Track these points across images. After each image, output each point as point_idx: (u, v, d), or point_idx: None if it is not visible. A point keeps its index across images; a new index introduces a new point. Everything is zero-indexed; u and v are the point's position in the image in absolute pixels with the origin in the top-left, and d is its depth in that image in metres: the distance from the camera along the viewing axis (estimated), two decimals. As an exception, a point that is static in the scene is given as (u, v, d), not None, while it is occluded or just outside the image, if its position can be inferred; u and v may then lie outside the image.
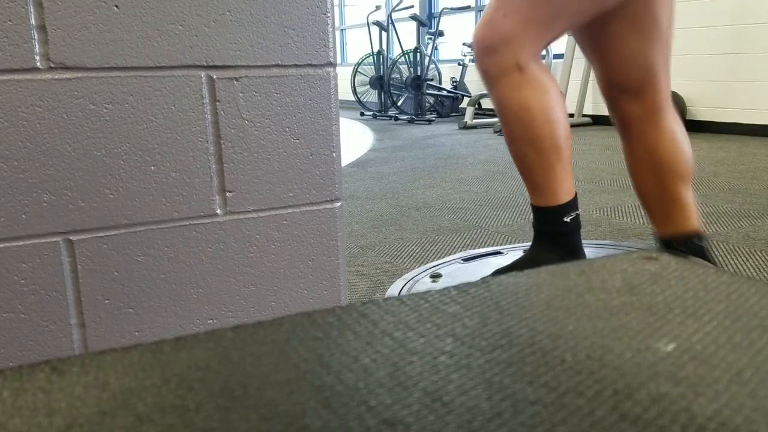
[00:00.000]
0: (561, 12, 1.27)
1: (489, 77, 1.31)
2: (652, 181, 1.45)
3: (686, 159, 1.44)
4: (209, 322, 0.82)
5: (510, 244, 2.08)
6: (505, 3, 1.27)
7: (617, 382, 0.27)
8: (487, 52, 1.29)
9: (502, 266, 1.58)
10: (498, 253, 1.87)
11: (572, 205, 1.37)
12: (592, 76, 6.01)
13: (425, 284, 1.62)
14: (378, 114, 7.50)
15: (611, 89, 1.43)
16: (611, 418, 0.24)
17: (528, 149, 1.32)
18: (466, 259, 1.81)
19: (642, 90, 1.39)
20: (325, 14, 0.81)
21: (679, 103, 4.89)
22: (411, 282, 1.65)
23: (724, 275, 0.39)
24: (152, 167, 0.75)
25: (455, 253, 1.92)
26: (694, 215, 1.47)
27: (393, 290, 1.63)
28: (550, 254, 1.39)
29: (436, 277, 1.67)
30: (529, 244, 1.97)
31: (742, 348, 0.30)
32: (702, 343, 0.30)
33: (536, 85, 1.28)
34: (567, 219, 1.37)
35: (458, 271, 1.71)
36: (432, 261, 1.86)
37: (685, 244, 1.45)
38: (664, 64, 1.38)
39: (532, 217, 1.42)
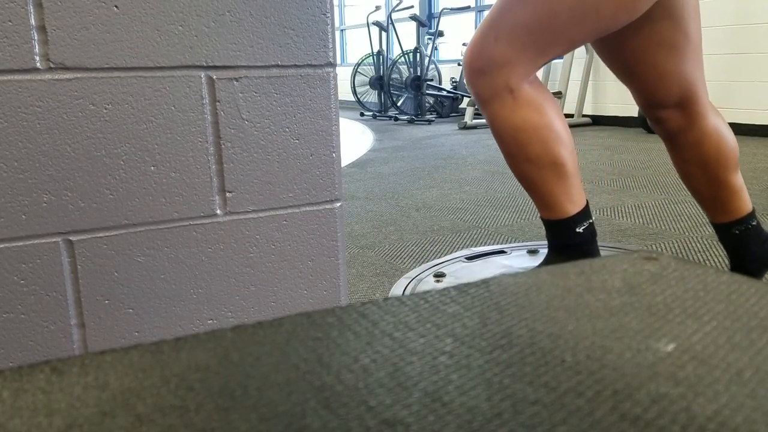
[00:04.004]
0: (557, 39, 1.24)
1: (481, 99, 1.29)
2: (704, 179, 1.46)
3: (732, 150, 1.44)
4: (209, 322, 0.82)
5: (510, 244, 2.07)
6: (496, 26, 1.24)
7: (617, 382, 0.27)
8: (477, 74, 1.27)
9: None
10: (502, 252, 1.87)
11: (584, 214, 1.35)
12: (593, 75, 6.02)
13: (429, 284, 1.62)
14: (378, 114, 7.50)
15: (651, 108, 1.42)
16: (611, 418, 0.24)
17: (527, 167, 1.30)
18: (470, 258, 1.81)
19: (683, 103, 1.38)
20: (325, 14, 0.81)
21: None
22: (415, 281, 1.65)
23: (724, 275, 0.39)
24: (152, 167, 0.75)
25: (455, 252, 1.92)
26: (746, 197, 1.48)
27: (396, 289, 1.63)
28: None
29: (440, 276, 1.67)
30: (531, 242, 1.98)
31: (742, 348, 0.30)
32: (702, 343, 0.30)
33: (531, 106, 1.26)
34: (579, 229, 1.34)
35: (462, 271, 1.71)
36: (432, 261, 1.86)
37: (741, 227, 1.48)
38: (699, 72, 1.37)
39: (544, 230, 1.41)
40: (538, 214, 2.48)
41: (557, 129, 1.29)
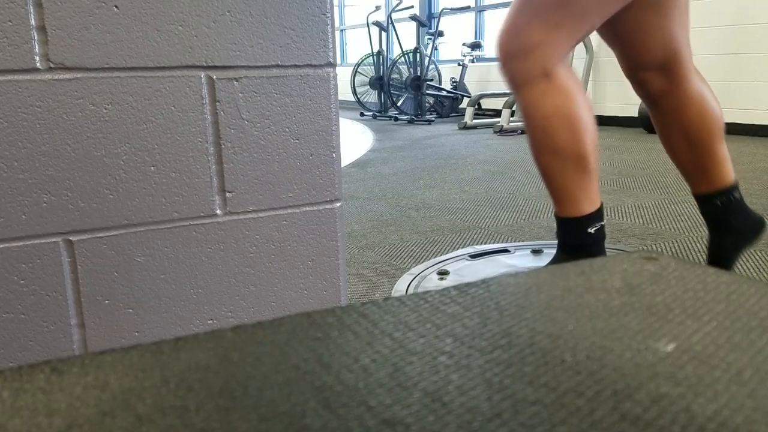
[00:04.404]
0: (587, 13, 1.24)
1: (515, 85, 1.29)
2: (686, 145, 1.46)
3: (717, 117, 1.44)
4: (209, 322, 0.82)
5: (514, 243, 2.08)
6: (526, 9, 1.25)
7: (617, 382, 0.27)
8: (512, 59, 1.27)
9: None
10: (505, 251, 1.87)
11: (597, 215, 1.35)
12: (593, 75, 6.01)
13: (432, 281, 1.62)
14: (378, 114, 7.50)
15: (635, 69, 1.42)
16: (611, 418, 0.24)
17: (550, 159, 1.30)
18: (473, 256, 1.81)
19: (666, 65, 1.39)
20: (325, 14, 0.81)
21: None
22: (418, 278, 1.65)
23: (724, 275, 0.39)
24: (152, 167, 0.75)
25: (458, 250, 1.92)
26: (729, 168, 1.47)
27: (400, 285, 1.63)
28: None
29: (443, 274, 1.67)
30: (535, 242, 1.98)
31: (742, 348, 0.30)
32: (702, 343, 0.30)
33: (562, 92, 1.26)
34: (591, 230, 1.34)
35: (465, 269, 1.71)
36: (435, 259, 1.86)
37: (724, 198, 1.47)
38: (684, 34, 1.38)
39: (555, 227, 1.40)
40: (539, 215, 2.48)
41: (584, 121, 1.29)
